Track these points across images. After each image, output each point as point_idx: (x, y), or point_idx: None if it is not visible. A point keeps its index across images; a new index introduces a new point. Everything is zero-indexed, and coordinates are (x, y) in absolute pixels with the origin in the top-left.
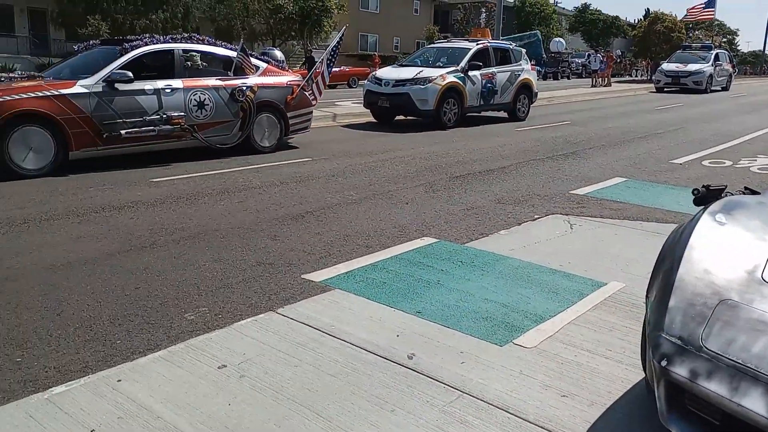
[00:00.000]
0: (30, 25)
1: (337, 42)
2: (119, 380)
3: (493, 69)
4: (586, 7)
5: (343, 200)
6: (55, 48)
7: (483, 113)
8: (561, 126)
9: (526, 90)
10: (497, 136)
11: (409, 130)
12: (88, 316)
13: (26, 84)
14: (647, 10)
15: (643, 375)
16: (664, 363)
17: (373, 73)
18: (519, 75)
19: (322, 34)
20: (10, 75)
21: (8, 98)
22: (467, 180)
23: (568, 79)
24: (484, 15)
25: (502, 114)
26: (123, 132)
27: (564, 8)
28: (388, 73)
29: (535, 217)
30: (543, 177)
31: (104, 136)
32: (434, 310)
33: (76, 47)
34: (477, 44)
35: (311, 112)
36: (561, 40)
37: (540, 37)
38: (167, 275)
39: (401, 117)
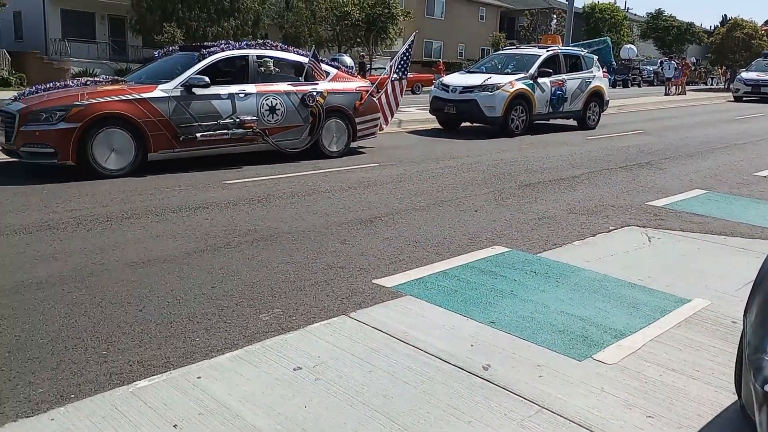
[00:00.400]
0: (110, 31)
1: (407, 49)
2: (199, 377)
3: (564, 76)
4: (659, 13)
5: (411, 206)
6: (132, 54)
7: (551, 121)
8: (633, 135)
9: (597, 98)
10: (567, 144)
11: (476, 137)
12: (168, 312)
13: (110, 88)
14: (725, 17)
15: (737, 398)
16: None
17: (440, 79)
18: (590, 82)
19: (387, 41)
20: (96, 79)
21: (94, 101)
22: (537, 189)
23: (639, 86)
24: (555, 21)
25: (571, 122)
26: (198, 135)
27: (635, 14)
28: (455, 79)
29: (610, 228)
30: (617, 187)
31: (181, 138)
32: (508, 321)
33: (156, 53)
34: (547, 51)
35: (379, 117)
36: (632, 46)
37: (610, 43)
38: (242, 275)
39: (467, 124)
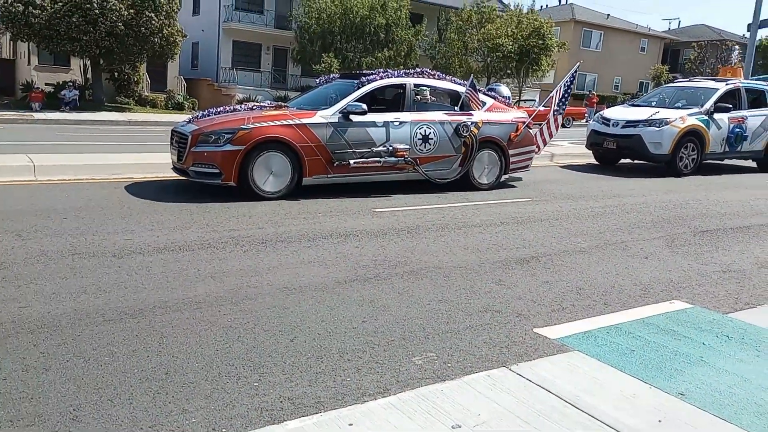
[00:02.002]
0: (273, 61)
1: (570, 79)
2: (350, 424)
3: (744, 112)
4: None
5: (570, 247)
6: (291, 82)
7: (725, 161)
8: None
9: None
10: (746, 187)
11: (636, 175)
12: (318, 345)
13: (274, 113)
14: None
15: None
16: None
17: (601, 113)
18: None
19: (539, 73)
20: (261, 104)
21: (258, 125)
22: (717, 236)
23: None
24: (736, 52)
25: (749, 163)
26: (352, 161)
27: None
28: (617, 113)
29: None
30: None
31: (335, 164)
32: (702, 395)
33: (317, 80)
34: (726, 84)
35: (533, 150)
36: None
37: None
38: (392, 311)
39: (626, 161)
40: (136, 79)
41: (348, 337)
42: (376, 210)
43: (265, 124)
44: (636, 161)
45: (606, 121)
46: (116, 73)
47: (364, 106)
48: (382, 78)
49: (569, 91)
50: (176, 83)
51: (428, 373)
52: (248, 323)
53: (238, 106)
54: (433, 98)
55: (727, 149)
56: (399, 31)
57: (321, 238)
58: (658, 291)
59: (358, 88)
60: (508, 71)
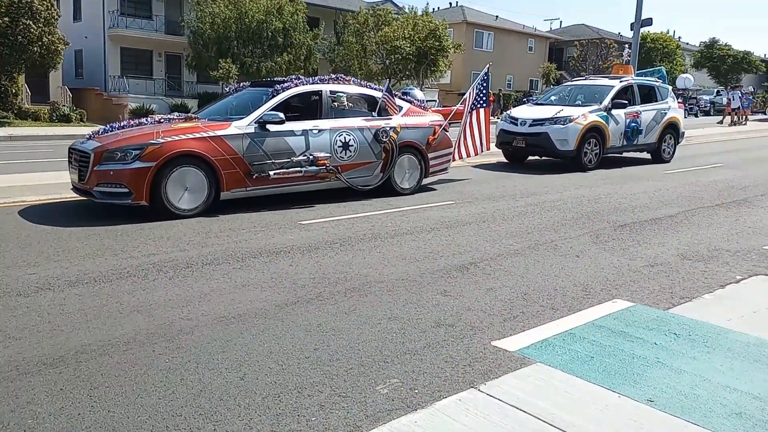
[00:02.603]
0: (166, 68)
1: (482, 81)
2: None
3: (638, 107)
4: (714, 42)
5: (504, 250)
6: (187, 89)
7: (623, 154)
8: (714, 169)
9: (672, 130)
10: (646, 179)
11: (546, 172)
12: (273, 382)
13: (185, 125)
14: None
15: None
16: None
17: (508, 112)
18: (665, 114)
19: (437, 74)
20: (169, 117)
21: (169, 139)
22: (636, 230)
23: (696, 117)
24: (627, 51)
25: (644, 155)
26: (272, 173)
27: (687, 43)
28: (524, 112)
29: (738, 278)
30: (723, 228)
31: (254, 176)
32: (669, 399)
33: (227, 88)
34: (621, 81)
35: (451, 153)
36: (689, 76)
37: (665, 73)
38: (344, 335)
39: (533, 157)
40: (14, 90)
41: (303, 369)
42: (302, 222)
43: (177, 138)
44: (543, 158)
45: (514, 120)
46: None
47: (282, 115)
48: (297, 85)
49: (485, 91)
50: (60, 94)
51: (396, 402)
52: (189, 362)
53: (144, 120)
54: (350, 104)
55: (624, 143)
56: (297, 35)
57: (251, 257)
58: (597, 290)
59: (273, 96)
60: (408, 72)
